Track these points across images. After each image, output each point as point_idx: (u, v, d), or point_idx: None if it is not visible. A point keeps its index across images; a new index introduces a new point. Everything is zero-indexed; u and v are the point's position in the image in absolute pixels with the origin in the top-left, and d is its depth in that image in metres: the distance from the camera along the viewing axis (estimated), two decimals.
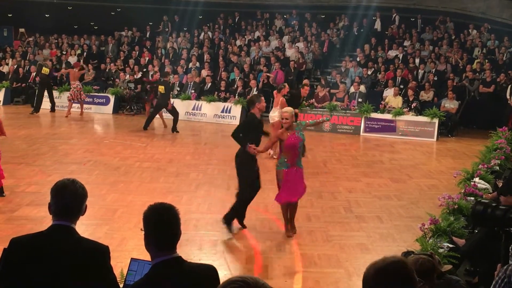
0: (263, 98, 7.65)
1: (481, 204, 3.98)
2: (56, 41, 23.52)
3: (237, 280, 1.78)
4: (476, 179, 7.84)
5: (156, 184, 9.51)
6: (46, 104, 18.36)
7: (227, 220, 7.28)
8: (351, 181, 10.14)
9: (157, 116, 15.54)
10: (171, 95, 15.99)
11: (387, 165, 11.65)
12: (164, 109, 15.35)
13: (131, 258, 3.52)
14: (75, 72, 17.68)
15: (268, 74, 18.19)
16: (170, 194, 8.78)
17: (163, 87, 15.02)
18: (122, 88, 18.59)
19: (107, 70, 20.40)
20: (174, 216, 2.77)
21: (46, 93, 18.07)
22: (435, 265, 3.99)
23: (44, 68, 18.20)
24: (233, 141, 7.44)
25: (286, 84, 13.46)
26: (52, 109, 18.20)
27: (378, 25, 21.45)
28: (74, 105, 17.80)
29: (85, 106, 18.34)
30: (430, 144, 14.43)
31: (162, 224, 2.74)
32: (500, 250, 4.11)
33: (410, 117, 15.30)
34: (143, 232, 2.79)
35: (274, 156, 11.20)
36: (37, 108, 17.85)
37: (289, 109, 7.07)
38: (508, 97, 15.68)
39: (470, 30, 20.10)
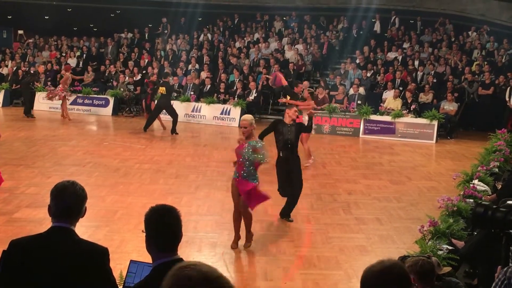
0: (295, 108, 8.18)
1: (482, 206, 3.98)
2: (56, 43, 23.53)
3: (182, 277, 1.72)
4: (475, 181, 7.85)
5: (156, 186, 9.51)
6: (43, 105, 18.40)
7: (286, 214, 7.91)
8: (350, 183, 10.14)
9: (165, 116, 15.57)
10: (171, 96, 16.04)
11: (387, 167, 11.66)
12: (163, 111, 15.36)
13: (131, 260, 3.52)
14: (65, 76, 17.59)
15: (267, 76, 18.20)
16: (170, 196, 8.78)
17: (164, 88, 15.03)
18: (121, 90, 18.60)
19: (106, 73, 20.39)
20: (175, 218, 2.78)
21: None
22: (435, 267, 4.01)
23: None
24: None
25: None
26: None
27: (377, 27, 21.48)
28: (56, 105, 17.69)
29: (84, 108, 18.34)
30: (429, 146, 14.45)
31: (163, 226, 2.74)
32: (499, 252, 4.11)
33: (409, 119, 15.31)
34: (144, 234, 2.79)
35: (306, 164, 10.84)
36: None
37: (248, 116, 6.77)
38: (507, 99, 15.70)
39: (469, 32, 20.13)
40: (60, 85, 17.23)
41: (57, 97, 17.12)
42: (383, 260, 2.25)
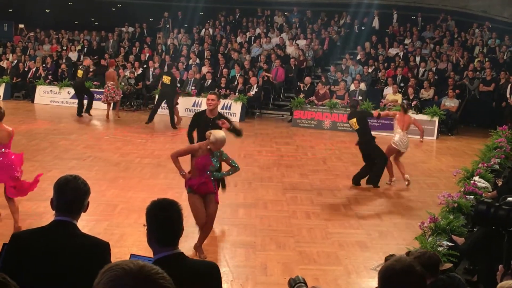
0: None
1: (484, 203, 3.96)
2: (57, 36, 23.49)
3: (116, 267, 1.66)
4: (476, 178, 7.86)
5: (156, 180, 9.52)
6: (43, 99, 18.37)
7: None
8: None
9: (162, 110, 15.47)
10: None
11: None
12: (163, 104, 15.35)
13: (131, 254, 3.53)
14: (110, 72, 16.62)
15: (267, 74, 18.12)
16: (170, 190, 8.77)
17: (169, 77, 14.98)
18: (122, 84, 18.57)
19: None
20: (177, 212, 2.79)
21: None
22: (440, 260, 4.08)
23: (78, 70, 17.00)
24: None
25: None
26: (86, 110, 16.71)
27: (376, 23, 21.42)
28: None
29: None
30: (430, 143, 14.42)
31: (165, 220, 2.76)
32: (499, 249, 4.11)
33: (410, 115, 15.25)
34: (145, 228, 2.80)
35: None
36: (79, 112, 16.66)
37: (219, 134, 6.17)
38: (508, 96, 15.69)
39: (471, 29, 20.08)
40: (110, 84, 16.23)
41: (115, 99, 16.38)
42: (400, 258, 2.31)
